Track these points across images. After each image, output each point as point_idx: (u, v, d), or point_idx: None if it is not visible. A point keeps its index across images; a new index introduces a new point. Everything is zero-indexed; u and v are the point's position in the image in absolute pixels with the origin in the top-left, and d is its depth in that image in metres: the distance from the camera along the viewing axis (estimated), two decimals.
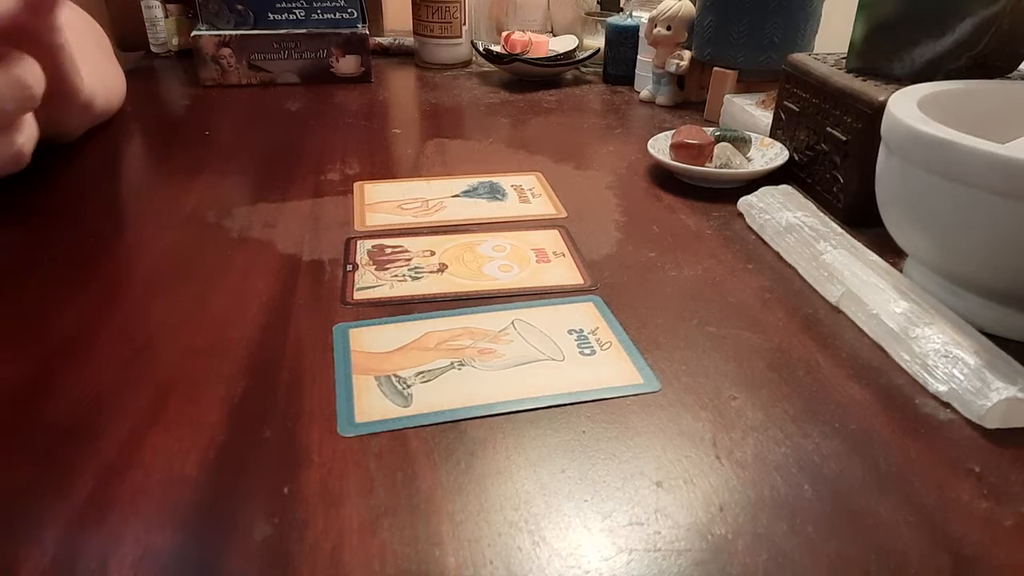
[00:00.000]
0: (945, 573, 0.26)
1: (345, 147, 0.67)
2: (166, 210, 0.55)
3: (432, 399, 0.34)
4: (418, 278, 0.45)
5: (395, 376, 0.36)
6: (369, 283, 0.44)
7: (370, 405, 0.34)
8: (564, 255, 0.48)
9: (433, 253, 0.48)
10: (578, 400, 0.34)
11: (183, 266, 0.46)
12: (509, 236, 0.50)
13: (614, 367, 0.36)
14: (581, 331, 0.39)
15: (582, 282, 0.44)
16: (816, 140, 0.56)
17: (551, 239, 0.50)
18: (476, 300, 0.42)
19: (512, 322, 0.40)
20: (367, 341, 0.38)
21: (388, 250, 0.48)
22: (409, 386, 0.35)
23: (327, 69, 0.87)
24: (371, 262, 0.46)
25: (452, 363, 0.37)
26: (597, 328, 0.40)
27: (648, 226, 0.52)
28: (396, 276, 0.45)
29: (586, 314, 0.41)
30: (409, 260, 0.47)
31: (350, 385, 0.35)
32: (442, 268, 0.46)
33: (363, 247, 0.48)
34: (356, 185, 0.58)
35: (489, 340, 0.38)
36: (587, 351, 0.38)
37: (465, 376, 0.36)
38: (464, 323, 0.40)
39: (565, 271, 0.46)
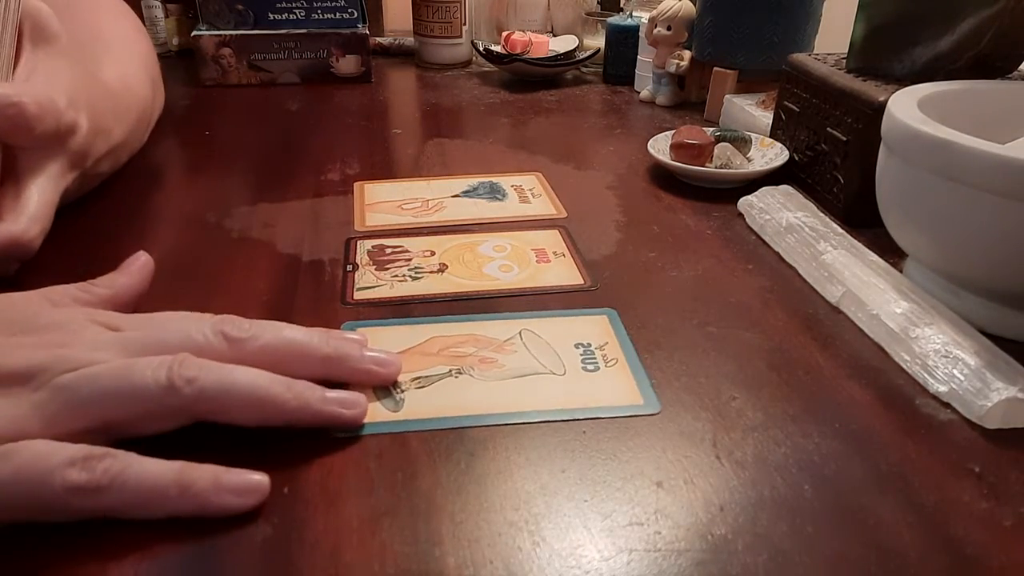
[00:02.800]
0: (945, 573, 0.26)
1: (345, 147, 0.67)
2: (166, 210, 0.55)
3: (423, 406, 0.34)
4: (418, 278, 0.44)
5: None
6: (369, 283, 0.44)
7: None
8: (564, 255, 0.48)
9: (433, 253, 0.48)
10: (571, 418, 0.33)
11: (183, 266, 0.46)
12: (509, 236, 0.50)
13: (615, 386, 0.35)
14: (588, 345, 0.38)
15: (582, 282, 0.44)
16: (816, 140, 0.56)
17: (551, 239, 0.50)
18: (481, 303, 0.42)
19: (519, 332, 0.39)
20: (372, 342, 0.38)
21: (388, 250, 0.48)
22: (403, 391, 0.35)
23: (327, 69, 0.87)
24: (371, 262, 0.46)
25: (450, 370, 0.36)
26: (606, 343, 0.38)
27: (648, 226, 0.52)
28: (396, 276, 0.45)
29: (597, 328, 0.40)
30: (409, 260, 0.47)
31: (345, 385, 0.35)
32: (442, 268, 0.46)
33: (363, 247, 0.48)
34: (356, 185, 0.58)
35: (493, 349, 0.38)
36: (591, 367, 0.37)
37: (461, 385, 0.35)
38: (470, 329, 0.40)
39: (565, 271, 0.46)
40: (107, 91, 0.52)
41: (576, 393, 0.35)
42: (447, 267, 0.46)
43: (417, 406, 0.34)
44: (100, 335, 0.31)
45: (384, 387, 0.35)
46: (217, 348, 0.31)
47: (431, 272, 0.45)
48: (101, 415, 0.28)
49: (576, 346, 0.38)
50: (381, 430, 0.32)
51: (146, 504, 0.27)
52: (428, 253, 0.48)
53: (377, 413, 0.33)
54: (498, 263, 0.46)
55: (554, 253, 0.48)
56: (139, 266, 0.38)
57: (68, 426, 0.28)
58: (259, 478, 0.28)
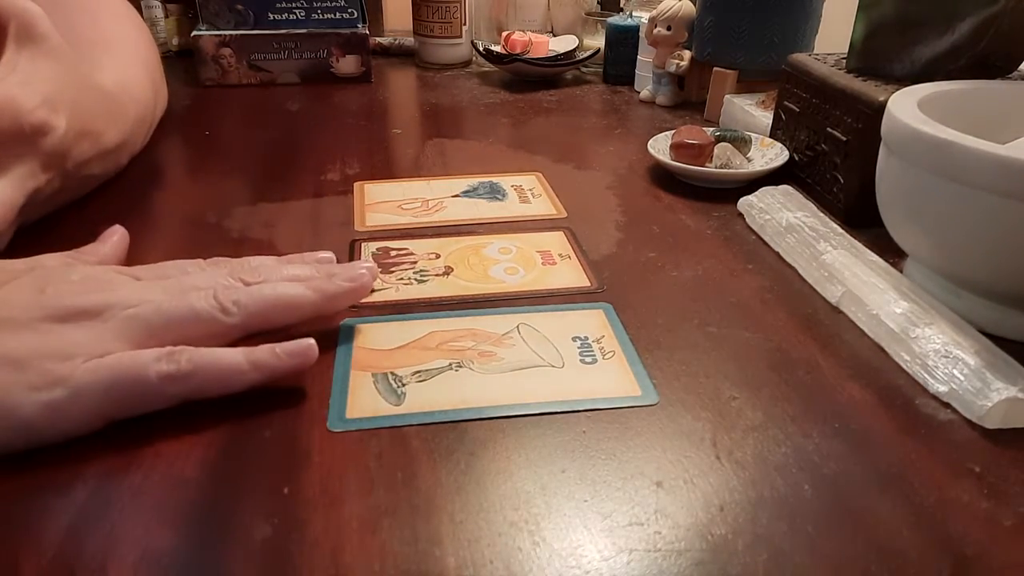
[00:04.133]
0: (945, 573, 0.26)
1: (345, 147, 0.67)
2: (166, 210, 0.55)
3: (424, 399, 0.34)
4: (424, 281, 0.44)
5: (392, 374, 0.36)
6: (374, 286, 0.44)
7: (362, 402, 0.34)
8: (570, 257, 0.47)
9: (438, 256, 0.47)
10: (571, 409, 0.34)
11: None
12: (515, 238, 0.50)
13: (613, 377, 0.36)
14: (585, 338, 0.39)
15: (588, 284, 0.44)
16: (816, 140, 0.56)
17: (557, 241, 0.50)
18: (483, 303, 0.42)
19: (517, 326, 0.40)
20: (372, 337, 0.38)
21: (393, 252, 0.48)
22: (404, 384, 0.35)
23: (327, 69, 0.87)
24: (376, 265, 0.46)
25: (450, 364, 0.36)
26: (603, 336, 0.39)
27: (648, 226, 0.52)
28: (401, 279, 0.45)
29: (594, 321, 0.40)
30: (414, 263, 0.46)
31: (346, 381, 0.35)
32: (448, 271, 0.46)
33: (368, 249, 0.48)
34: (356, 185, 0.58)
35: (492, 343, 0.38)
36: (588, 359, 0.37)
37: (461, 378, 0.36)
38: (469, 324, 0.40)
39: (571, 273, 0.46)
40: (100, 94, 0.51)
41: (575, 385, 0.35)
42: (452, 270, 0.46)
43: (418, 399, 0.34)
44: (134, 282, 0.35)
45: (386, 381, 0.35)
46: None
47: (436, 275, 0.45)
48: (171, 339, 0.32)
49: (573, 339, 0.39)
50: (383, 424, 0.32)
51: (227, 381, 0.32)
52: (433, 256, 0.47)
53: (379, 407, 0.33)
54: (504, 265, 0.46)
55: (560, 255, 0.48)
56: (118, 238, 0.42)
57: (145, 348, 0.32)
58: (309, 341, 0.33)
